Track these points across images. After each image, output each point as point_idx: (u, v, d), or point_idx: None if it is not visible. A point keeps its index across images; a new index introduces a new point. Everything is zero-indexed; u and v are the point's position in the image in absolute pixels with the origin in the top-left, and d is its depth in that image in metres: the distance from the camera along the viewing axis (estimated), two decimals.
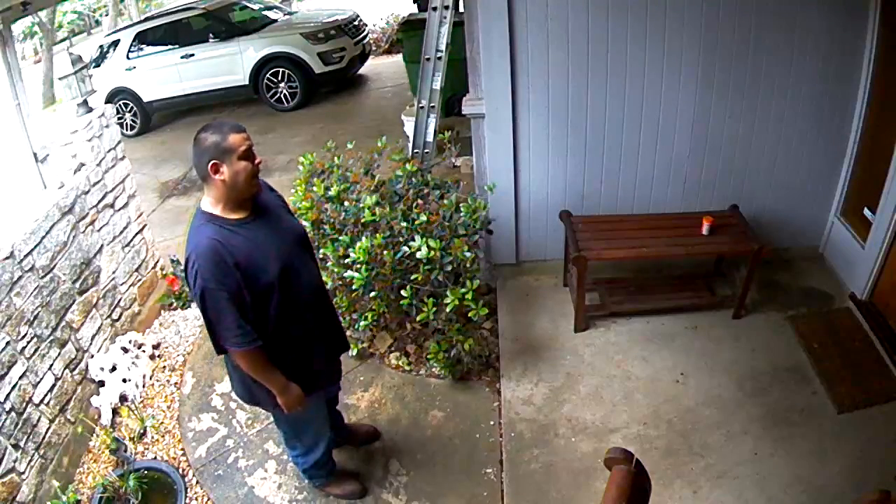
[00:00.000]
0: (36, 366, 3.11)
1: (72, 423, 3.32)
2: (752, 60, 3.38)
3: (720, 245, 3.48)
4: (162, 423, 3.49)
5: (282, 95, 8.36)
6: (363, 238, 3.07)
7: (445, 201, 3.33)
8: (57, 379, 3.26)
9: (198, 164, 2.06)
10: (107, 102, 7.07)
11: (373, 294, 3.12)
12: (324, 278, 3.28)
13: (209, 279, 2.02)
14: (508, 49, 3.39)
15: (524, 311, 3.85)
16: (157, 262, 4.55)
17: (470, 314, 3.01)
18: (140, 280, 4.25)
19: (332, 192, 3.43)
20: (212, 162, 2.02)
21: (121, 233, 4.07)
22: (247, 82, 8.32)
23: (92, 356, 3.60)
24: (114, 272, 3.93)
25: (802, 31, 3.28)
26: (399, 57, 8.80)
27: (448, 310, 2.98)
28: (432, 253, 2.93)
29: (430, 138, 4.31)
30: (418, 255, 2.94)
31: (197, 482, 3.15)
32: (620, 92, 3.51)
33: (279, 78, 8.25)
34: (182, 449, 3.33)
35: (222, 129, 2.04)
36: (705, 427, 2.99)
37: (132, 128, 8.66)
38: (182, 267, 4.44)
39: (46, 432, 3.10)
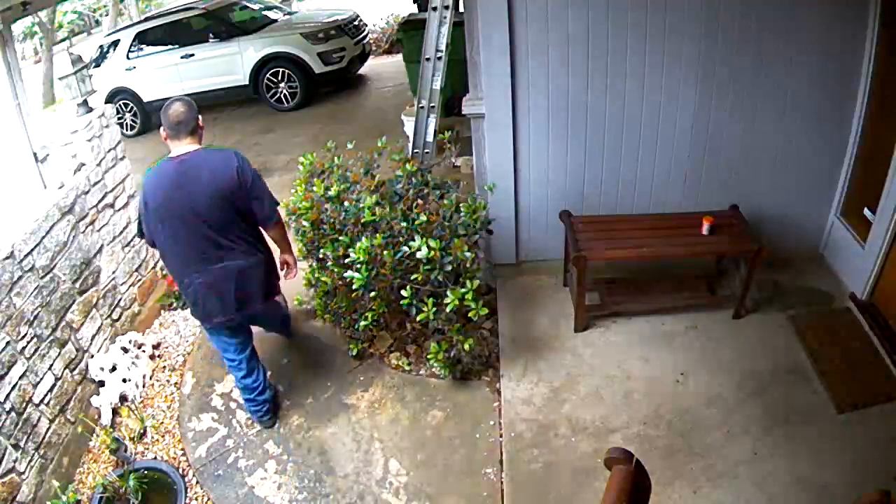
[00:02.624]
0: (36, 366, 3.11)
1: (72, 423, 3.32)
2: (753, 60, 3.38)
3: (720, 245, 3.48)
4: (162, 423, 3.49)
5: (282, 95, 8.36)
6: (363, 238, 3.07)
7: (445, 201, 3.33)
8: (57, 379, 3.26)
9: (193, 118, 2.85)
10: (107, 102, 7.08)
11: (373, 294, 3.12)
12: (324, 278, 3.32)
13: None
14: (508, 49, 3.38)
15: (524, 311, 3.85)
16: (157, 261, 4.55)
17: (470, 314, 3.01)
18: (140, 280, 4.25)
19: (332, 192, 3.43)
20: (199, 116, 2.89)
21: (121, 233, 4.07)
22: (247, 82, 8.32)
23: (92, 356, 3.60)
24: (114, 272, 3.93)
25: (803, 31, 3.28)
26: (399, 57, 8.80)
27: (448, 310, 2.98)
28: (432, 253, 2.93)
29: (430, 138, 4.31)
30: (418, 255, 2.94)
31: (197, 482, 3.15)
32: (620, 92, 3.51)
33: (279, 78, 8.25)
34: (182, 449, 3.34)
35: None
36: (705, 427, 2.99)
37: (132, 128, 8.67)
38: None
39: (46, 432, 3.11)
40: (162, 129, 2.85)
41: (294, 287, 4.04)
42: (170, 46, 8.41)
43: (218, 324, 3.01)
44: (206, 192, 2.71)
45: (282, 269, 3.25)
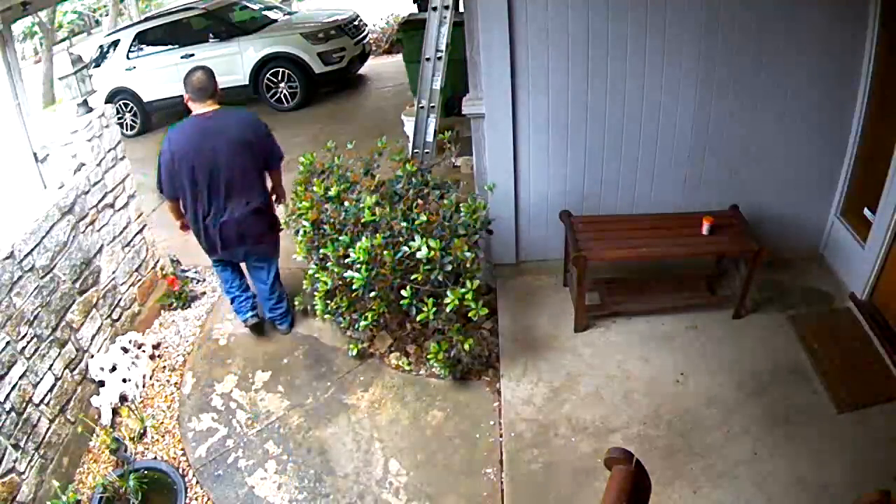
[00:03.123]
0: (36, 366, 3.11)
1: (72, 423, 3.32)
2: (753, 60, 3.38)
3: (720, 245, 3.49)
4: (162, 423, 3.49)
5: (282, 95, 8.36)
6: (363, 238, 3.07)
7: (445, 201, 3.33)
8: (57, 379, 3.26)
9: (213, 84, 3.31)
10: (107, 102, 7.07)
11: (373, 294, 3.12)
12: (324, 278, 3.33)
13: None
14: (508, 49, 3.39)
15: (524, 311, 3.85)
16: (157, 262, 4.55)
17: (470, 314, 3.01)
18: (140, 280, 4.25)
19: (332, 192, 3.43)
20: (217, 81, 3.35)
21: (121, 233, 4.07)
22: (247, 82, 8.31)
23: (92, 356, 3.60)
24: (114, 272, 3.93)
25: (803, 31, 3.28)
26: (399, 57, 8.79)
27: (448, 310, 2.98)
28: (432, 253, 2.93)
29: (430, 138, 4.31)
30: (418, 255, 2.94)
31: (197, 482, 3.15)
32: (620, 92, 3.51)
33: (279, 78, 8.24)
34: (182, 449, 3.34)
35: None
36: (705, 427, 2.99)
37: (132, 128, 8.66)
38: (182, 269, 4.47)
39: (46, 432, 3.11)
40: (185, 93, 3.33)
41: (294, 287, 4.04)
42: (170, 46, 8.40)
43: (226, 256, 3.62)
44: (230, 142, 3.28)
45: (275, 199, 3.78)
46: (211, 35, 8.32)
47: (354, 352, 3.67)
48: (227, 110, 3.38)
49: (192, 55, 8.28)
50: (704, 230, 3.44)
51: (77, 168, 3.70)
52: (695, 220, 3.49)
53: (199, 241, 3.65)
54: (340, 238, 3.23)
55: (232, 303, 3.92)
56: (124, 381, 3.60)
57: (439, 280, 3.00)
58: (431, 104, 4.27)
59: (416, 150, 4.36)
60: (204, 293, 4.49)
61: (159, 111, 8.75)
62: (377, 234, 3.09)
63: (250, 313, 3.86)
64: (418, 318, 3.05)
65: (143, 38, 8.50)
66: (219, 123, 3.30)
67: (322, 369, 3.71)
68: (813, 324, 3.46)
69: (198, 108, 3.33)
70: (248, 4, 9.30)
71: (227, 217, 3.43)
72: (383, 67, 9.85)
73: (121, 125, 7.80)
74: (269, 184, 3.65)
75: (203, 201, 3.39)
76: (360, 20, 9.23)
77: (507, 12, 3.29)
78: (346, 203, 3.38)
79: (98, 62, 8.52)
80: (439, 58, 4.23)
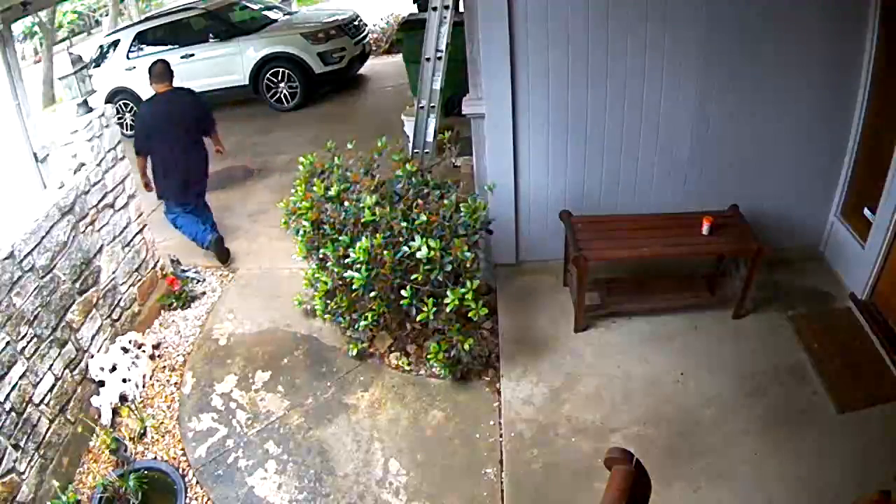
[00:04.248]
0: (36, 366, 3.11)
1: (72, 423, 3.32)
2: (753, 60, 3.38)
3: (720, 245, 3.49)
4: (162, 423, 3.49)
5: (282, 95, 8.35)
6: (363, 238, 3.07)
7: (445, 201, 3.33)
8: (57, 379, 3.26)
9: (170, 70, 4.55)
10: (107, 102, 7.07)
11: (373, 294, 3.12)
12: (324, 278, 3.32)
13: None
14: (508, 49, 3.39)
15: (524, 311, 3.85)
16: (157, 261, 4.55)
17: (470, 314, 3.01)
18: (140, 280, 4.25)
19: (332, 192, 3.43)
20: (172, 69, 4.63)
21: (121, 233, 4.07)
22: (247, 82, 8.31)
23: (92, 356, 3.60)
24: (114, 272, 3.93)
25: (803, 31, 3.28)
26: (399, 57, 8.79)
27: (448, 310, 2.98)
28: (432, 253, 2.93)
29: (430, 138, 4.31)
30: (418, 255, 2.94)
31: (197, 482, 3.15)
32: (620, 92, 3.51)
33: (279, 78, 8.24)
34: (182, 449, 3.33)
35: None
36: (705, 427, 2.99)
37: (132, 128, 8.65)
38: (182, 269, 4.46)
39: (46, 432, 3.10)
40: (149, 79, 4.55)
41: (294, 287, 4.04)
42: (170, 46, 8.39)
43: (187, 199, 4.74)
44: (186, 111, 4.61)
45: (216, 150, 5.06)
46: (211, 35, 8.31)
47: (354, 352, 3.67)
48: (178, 89, 4.65)
49: (192, 55, 8.28)
50: (704, 230, 3.44)
51: (77, 168, 3.70)
52: (695, 220, 3.49)
53: (169, 187, 4.65)
54: (340, 238, 3.23)
55: (195, 238, 4.82)
56: (124, 381, 3.60)
57: (439, 280, 3.00)
58: (431, 104, 4.26)
59: (416, 150, 4.35)
60: (204, 293, 4.49)
61: None
62: (377, 234, 3.09)
63: (211, 234, 4.81)
64: (418, 318, 3.05)
65: (143, 38, 8.50)
66: (176, 98, 4.61)
67: (322, 369, 3.71)
68: (813, 324, 3.46)
69: (159, 89, 4.52)
70: (248, 4, 9.30)
71: (184, 160, 4.60)
72: (383, 67, 9.85)
73: (121, 125, 7.79)
74: (209, 145, 4.91)
75: (171, 150, 4.53)
76: (360, 20, 9.23)
77: (507, 12, 3.29)
78: (346, 203, 3.38)
79: (98, 62, 8.52)
80: (439, 58, 4.23)
